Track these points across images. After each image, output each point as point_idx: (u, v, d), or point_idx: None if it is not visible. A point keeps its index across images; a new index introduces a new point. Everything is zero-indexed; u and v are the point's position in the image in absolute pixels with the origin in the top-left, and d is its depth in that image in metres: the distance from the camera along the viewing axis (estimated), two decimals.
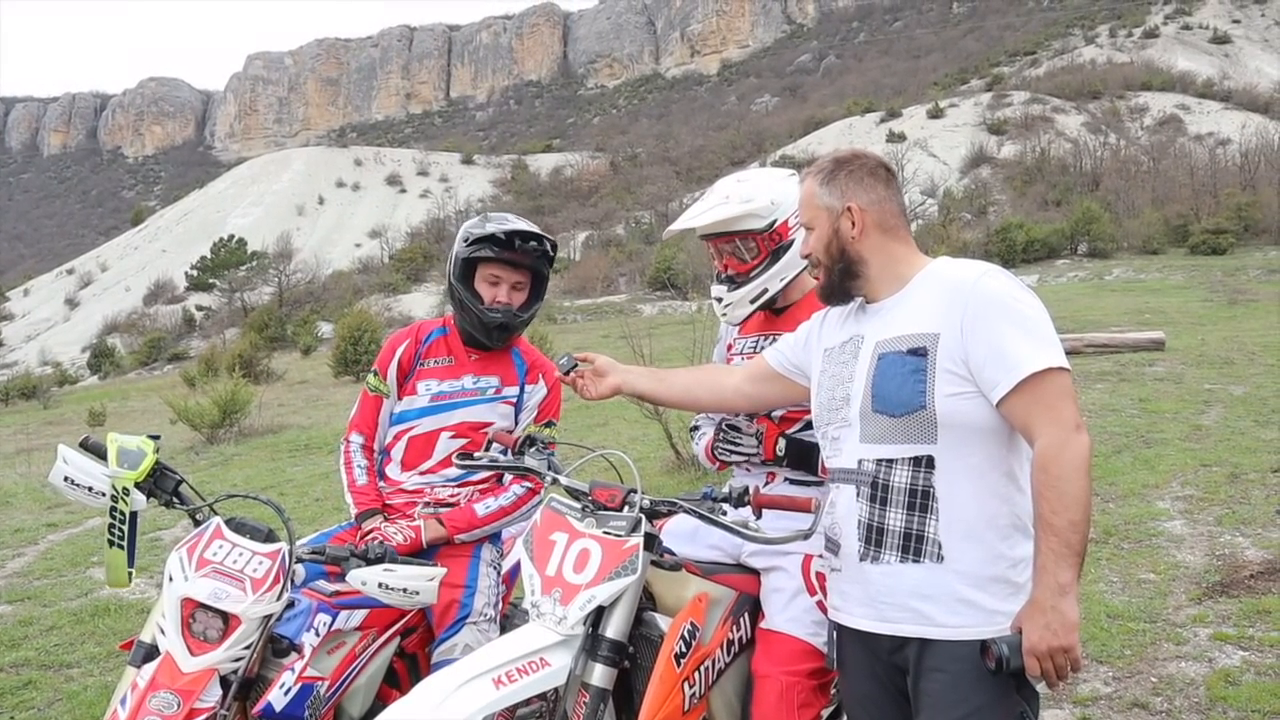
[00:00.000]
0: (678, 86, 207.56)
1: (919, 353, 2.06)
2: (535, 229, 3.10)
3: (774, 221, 2.64)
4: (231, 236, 66.27)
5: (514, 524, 3.13)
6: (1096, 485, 7.03)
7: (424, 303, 51.12)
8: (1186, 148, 58.46)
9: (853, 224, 2.19)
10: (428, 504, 3.08)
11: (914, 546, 2.05)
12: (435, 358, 3.17)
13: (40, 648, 5.42)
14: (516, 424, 3.17)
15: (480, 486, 3.14)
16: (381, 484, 3.18)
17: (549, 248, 3.12)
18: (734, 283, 2.66)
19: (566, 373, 2.54)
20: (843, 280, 2.23)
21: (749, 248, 2.65)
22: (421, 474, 3.13)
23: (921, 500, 2.05)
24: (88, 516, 8.82)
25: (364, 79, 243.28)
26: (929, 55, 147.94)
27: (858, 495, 2.14)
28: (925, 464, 2.05)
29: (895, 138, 75.08)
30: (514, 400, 3.17)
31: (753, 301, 2.68)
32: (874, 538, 2.10)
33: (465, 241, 3.06)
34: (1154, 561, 5.45)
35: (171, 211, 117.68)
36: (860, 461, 2.13)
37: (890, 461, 2.08)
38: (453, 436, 3.11)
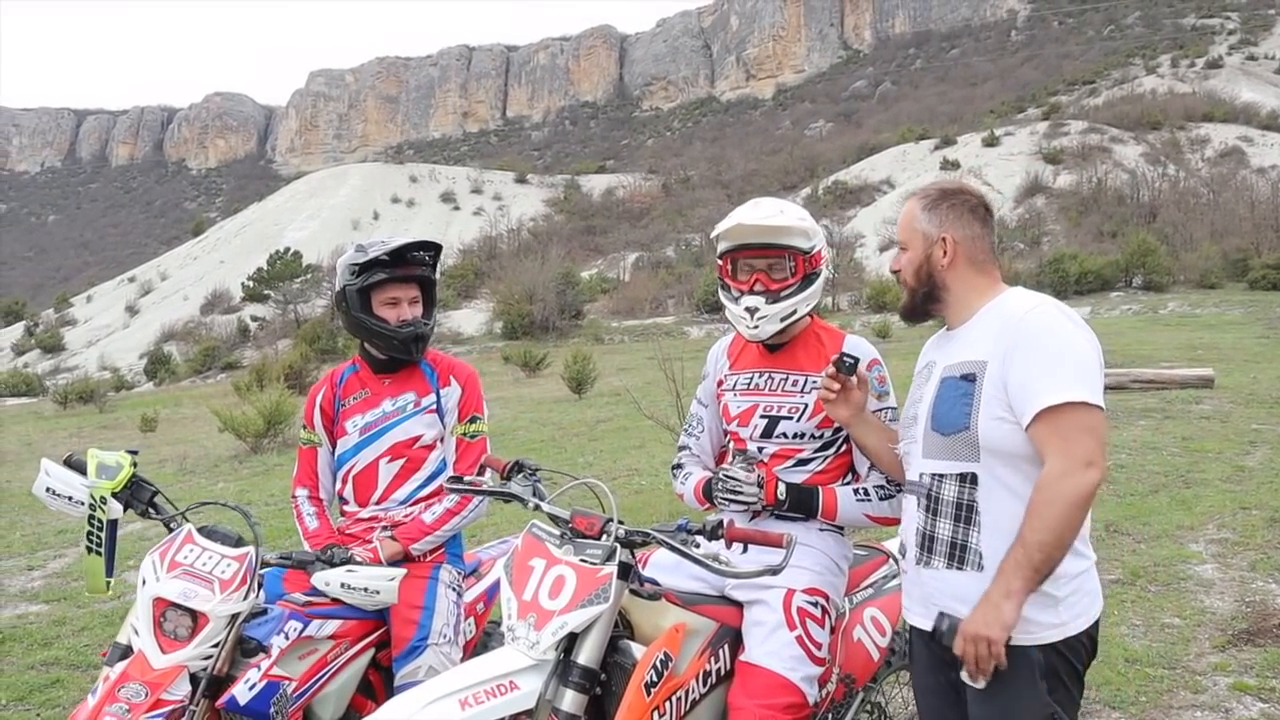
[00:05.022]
0: (732, 110, 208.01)
1: (969, 378, 2.23)
2: (415, 239, 3.16)
3: (814, 247, 2.72)
4: (287, 249, 67.45)
5: (464, 523, 3.18)
6: (1130, 525, 6.90)
7: (474, 319, 51.48)
8: (1248, 180, 57.15)
9: (944, 253, 2.37)
10: (385, 527, 3.15)
11: (959, 555, 2.24)
12: (353, 395, 3.26)
13: (70, 648, 5.56)
14: (444, 427, 3.23)
15: (428, 502, 3.19)
16: (342, 519, 3.27)
17: (433, 254, 3.21)
18: (770, 297, 2.67)
19: (846, 369, 2.53)
20: (924, 302, 2.43)
21: (789, 266, 2.69)
22: (375, 504, 3.20)
23: (966, 513, 2.23)
24: (129, 521, 9.01)
25: (422, 97, 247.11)
26: (985, 83, 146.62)
27: (918, 506, 2.34)
28: (970, 480, 2.23)
29: (949, 165, 74.42)
30: (435, 408, 3.22)
31: (783, 320, 2.69)
32: (927, 544, 2.31)
33: (353, 274, 3.11)
34: (1180, 606, 5.33)
35: (231, 223, 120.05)
36: (921, 475, 2.33)
37: (942, 476, 2.27)
38: (390, 461, 3.19)
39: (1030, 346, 2.15)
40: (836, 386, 2.57)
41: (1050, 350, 2.13)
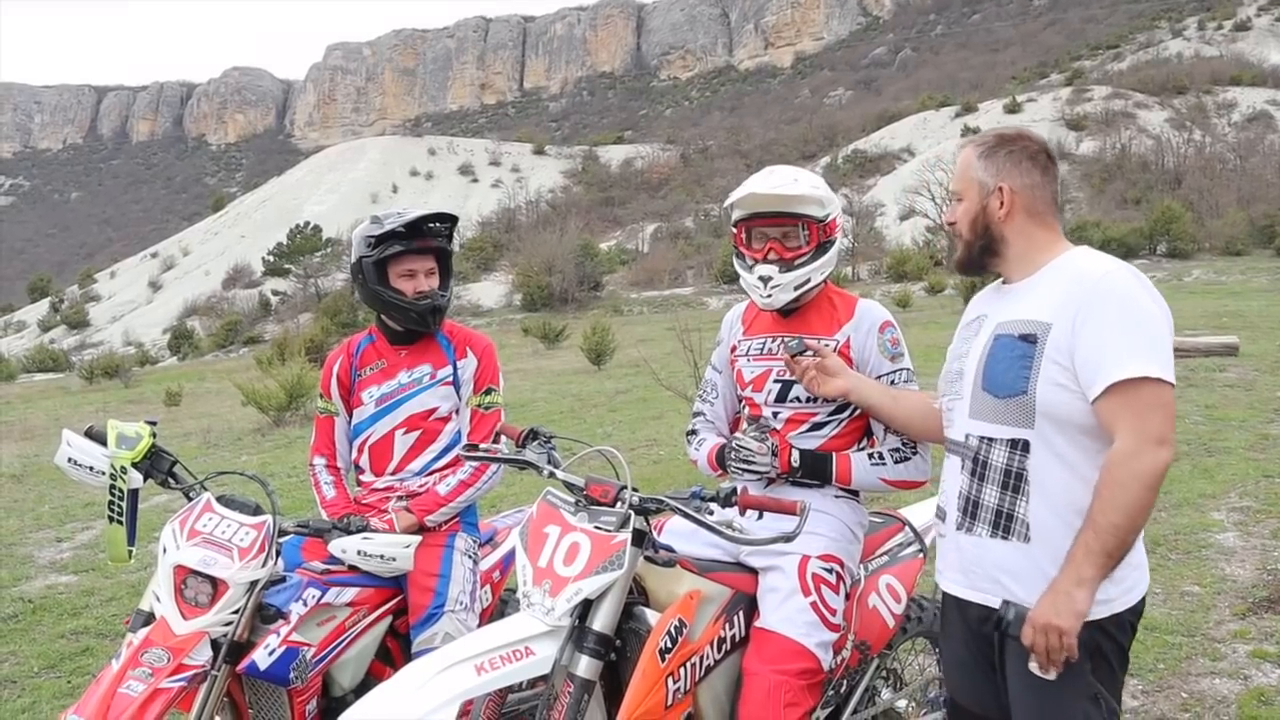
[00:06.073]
0: (750, 79, 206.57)
1: (1029, 339, 2.10)
2: (431, 211, 3.17)
3: (828, 215, 2.70)
4: (307, 223, 67.65)
5: (478, 495, 3.20)
6: None
7: (493, 292, 51.59)
8: (1276, 145, 56.37)
9: (1001, 204, 2.22)
10: (401, 497, 3.18)
11: (1004, 524, 2.13)
12: (369, 365, 3.26)
13: (99, 617, 5.66)
14: (459, 399, 3.24)
15: (443, 473, 3.21)
16: (358, 489, 3.30)
17: (449, 226, 3.22)
18: (784, 265, 2.66)
19: (793, 355, 2.56)
20: (981, 256, 2.28)
21: (803, 235, 2.67)
22: (392, 474, 3.22)
23: (1015, 481, 2.11)
24: (154, 493, 9.13)
25: (440, 69, 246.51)
26: (1007, 49, 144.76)
27: (961, 467, 2.23)
28: (1022, 447, 2.10)
29: (970, 133, 73.55)
30: (450, 380, 3.22)
31: (796, 289, 2.68)
32: (970, 509, 2.19)
33: (369, 246, 3.11)
34: (1200, 574, 5.31)
35: (251, 198, 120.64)
36: (967, 435, 2.21)
37: (991, 440, 2.15)
38: (405, 432, 3.20)
39: (1104, 315, 2.01)
40: (799, 370, 2.57)
41: (1125, 321, 2.00)
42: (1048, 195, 2.24)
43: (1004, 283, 2.29)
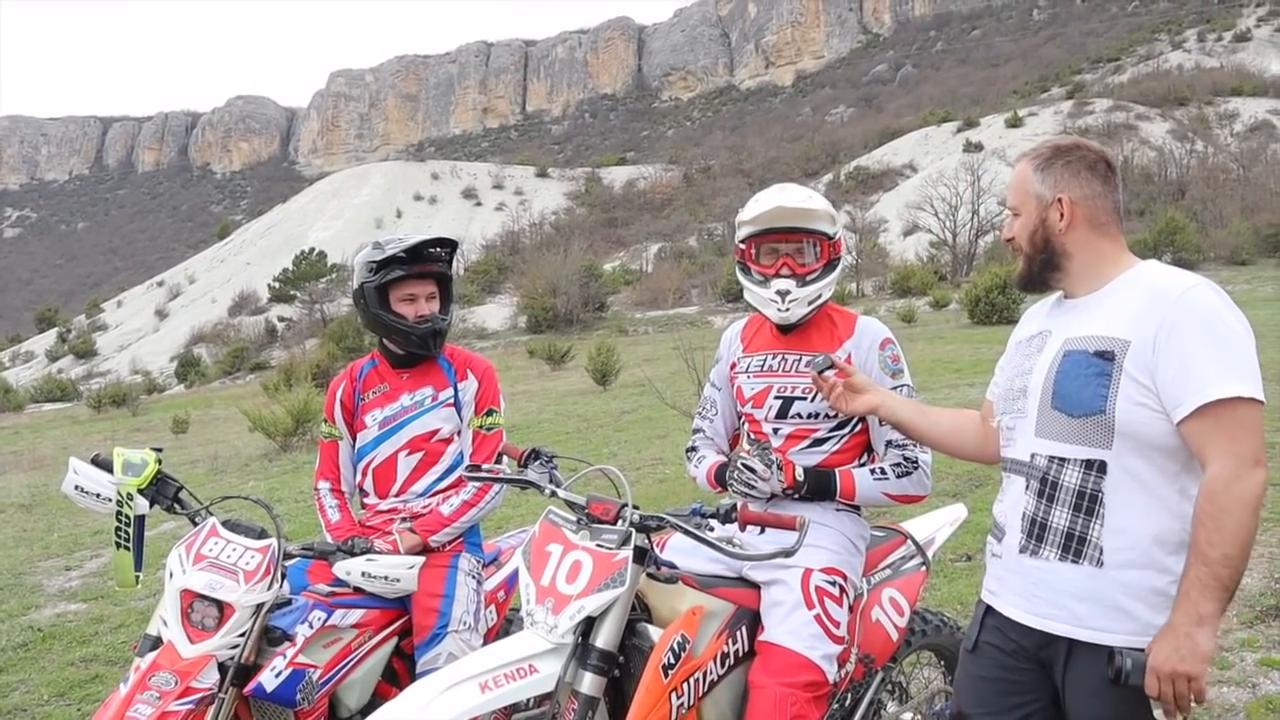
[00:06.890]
0: (752, 98, 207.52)
1: (1106, 356, 2.01)
2: (431, 236, 3.22)
3: (836, 233, 2.74)
4: (312, 249, 67.99)
5: (481, 515, 3.23)
6: None
7: (498, 314, 51.72)
8: (1279, 154, 56.42)
9: (1061, 216, 2.15)
10: (404, 519, 3.21)
11: (1075, 547, 2.04)
12: (372, 389, 3.31)
13: (108, 644, 5.67)
14: (461, 421, 3.28)
15: (446, 494, 3.25)
16: (363, 512, 3.34)
17: (450, 250, 3.27)
18: (799, 280, 2.69)
19: (820, 372, 2.54)
20: (1042, 271, 2.20)
21: (814, 250, 2.71)
22: (395, 496, 3.26)
23: (1089, 503, 2.03)
24: (162, 521, 9.15)
25: (442, 94, 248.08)
26: (1008, 64, 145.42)
27: (1026, 488, 2.13)
28: (1097, 468, 2.02)
29: (972, 148, 73.82)
30: (452, 402, 3.27)
31: (810, 303, 2.71)
32: (1036, 532, 2.10)
33: (371, 271, 3.16)
34: None
35: (256, 225, 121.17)
36: (1033, 455, 2.12)
37: (1063, 460, 2.06)
38: (408, 454, 3.24)
39: (1191, 332, 1.93)
40: (826, 388, 2.55)
41: (1212, 339, 1.92)
42: (1110, 205, 2.16)
43: (1065, 297, 2.21)
